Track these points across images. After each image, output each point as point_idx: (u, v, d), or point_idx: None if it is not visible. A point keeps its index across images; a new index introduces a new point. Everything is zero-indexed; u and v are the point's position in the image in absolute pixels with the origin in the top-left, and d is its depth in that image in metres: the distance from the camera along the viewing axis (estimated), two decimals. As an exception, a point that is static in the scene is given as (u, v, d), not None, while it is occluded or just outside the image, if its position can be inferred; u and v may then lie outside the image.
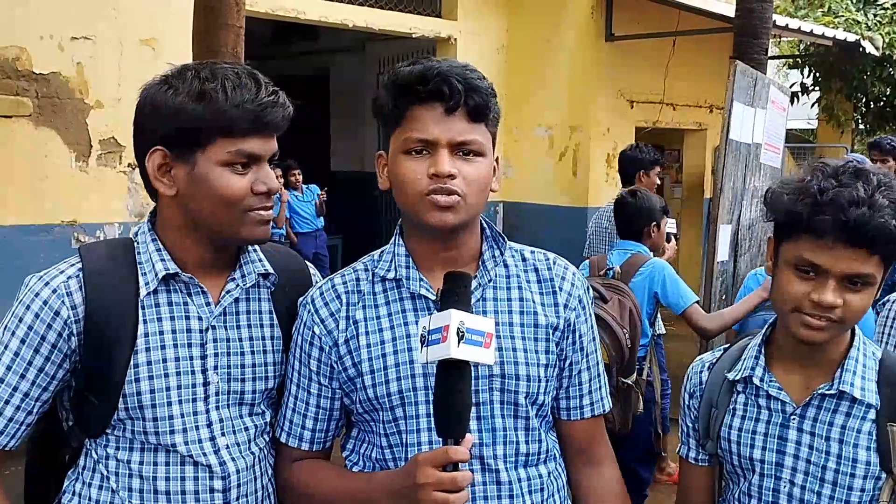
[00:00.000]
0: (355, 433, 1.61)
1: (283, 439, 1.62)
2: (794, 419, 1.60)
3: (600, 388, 1.65)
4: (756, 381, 1.63)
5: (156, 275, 1.50)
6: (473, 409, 1.48)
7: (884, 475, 1.56)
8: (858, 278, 1.47)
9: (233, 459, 1.54)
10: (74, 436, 1.55)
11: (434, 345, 1.30)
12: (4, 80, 5.08)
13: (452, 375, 1.31)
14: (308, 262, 1.78)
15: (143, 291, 1.50)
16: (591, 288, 3.72)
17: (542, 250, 1.65)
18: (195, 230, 1.52)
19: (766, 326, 1.68)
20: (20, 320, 1.47)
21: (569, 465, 1.65)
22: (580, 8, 7.82)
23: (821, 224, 1.45)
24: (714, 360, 1.73)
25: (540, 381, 1.54)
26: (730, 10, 6.55)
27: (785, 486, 1.60)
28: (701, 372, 1.74)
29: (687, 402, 1.76)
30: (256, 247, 1.62)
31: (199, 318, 1.53)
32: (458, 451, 1.31)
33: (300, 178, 8.55)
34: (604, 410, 1.66)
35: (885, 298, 2.33)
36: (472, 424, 1.48)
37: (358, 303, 1.55)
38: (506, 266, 1.58)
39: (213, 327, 1.54)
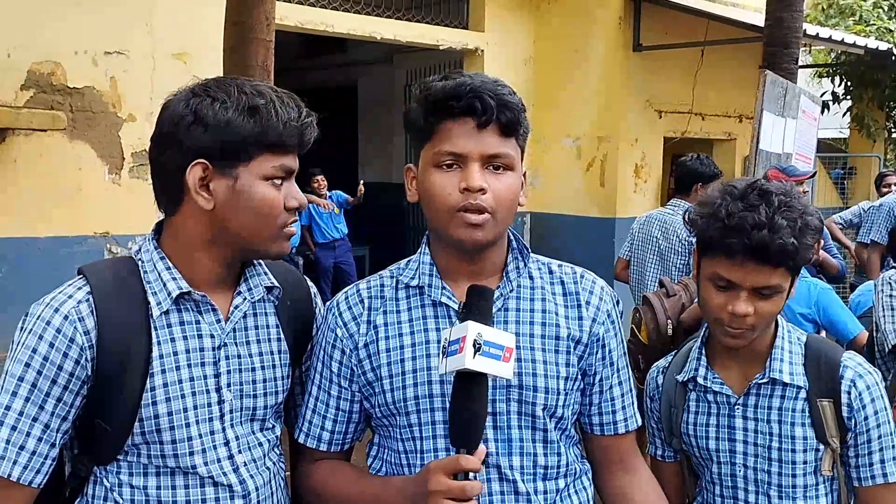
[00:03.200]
0: (377, 439, 1.62)
1: (301, 440, 1.63)
2: (738, 409, 1.78)
3: (633, 403, 1.66)
4: (700, 380, 1.80)
5: (168, 294, 1.47)
6: (490, 418, 1.49)
7: (821, 446, 1.74)
8: (767, 289, 1.67)
9: (251, 477, 1.53)
10: (81, 464, 1.49)
11: (452, 356, 1.31)
12: (40, 94, 5.18)
13: (467, 387, 1.32)
14: (305, 276, 1.77)
15: (155, 312, 1.46)
16: (662, 284, 4.07)
17: (571, 265, 1.65)
18: (220, 245, 1.49)
19: (703, 329, 1.86)
20: (34, 351, 1.39)
21: (604, 474, 1.65)
22: (608, 18, 7.81)
23: (730, 246, 1.65)
24: (667, 365, 1.91)
25: (559, 393, 1.54)
26: (759, 20, 6.50)
27: (740, 470, 1.78)
28: (657, 377, 1.92)
29: (649, 406, 1.92)
30: (261, 260, 1.61)
31: (212, 336, 1.50)
32: (469, 460, 1.31)
33: (324, 184, 8.48)
34: (637, 425, 1.66)
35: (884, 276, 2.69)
36: (489, 434, 1.49)
37: (380, 308, 1.56)
38: (531, 278, 1.58)
39: (225, 344, 1.52)
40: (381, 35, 7.26)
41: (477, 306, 1.37)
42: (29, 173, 5.16)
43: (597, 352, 1.59)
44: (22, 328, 1.43)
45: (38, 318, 1.42)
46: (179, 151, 1.46)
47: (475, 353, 1.29)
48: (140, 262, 1.51)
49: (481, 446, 1.34)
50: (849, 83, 10.68)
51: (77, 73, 5.31)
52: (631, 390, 1.66)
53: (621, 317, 1.66)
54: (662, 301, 3.71)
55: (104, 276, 1.48)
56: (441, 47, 7.69)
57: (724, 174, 9.35)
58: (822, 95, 9.17)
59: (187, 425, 1.47)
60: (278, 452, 1.63)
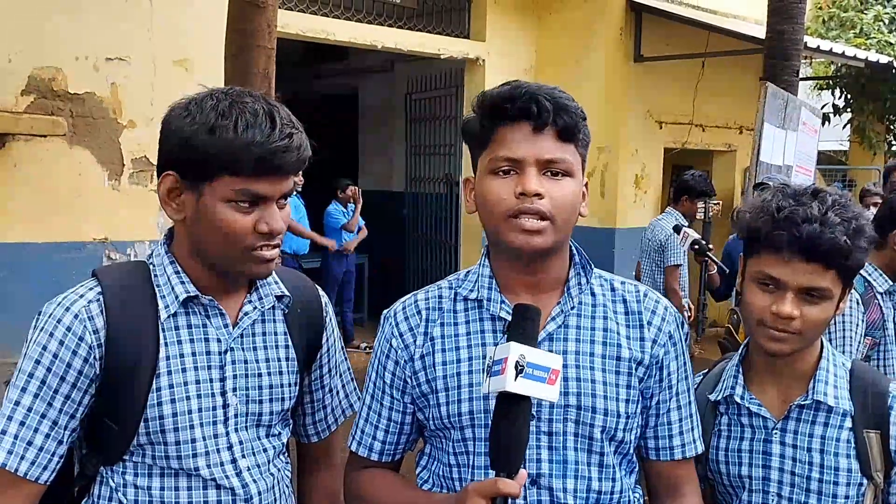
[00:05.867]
0: (428, 450, 1.60)
1: (353, 448, 1.62)
2: (775, 433, 1.65)
3: (693, 429, 1.58)
4: (737, 398, 1.68)
5: (176, 297, 1.48)
6: (546, 438, 1.46)
7: (865, 481, 1.61)
8: (815, 291, 1.56)
9: (254, 481, 1.53)
10: (89, 464, 1.51)
11: (495, 376, 1.28)
12: (40, 100, 5.17)
13: (508, 409, 1.28)
14: (318, 285, 1.76)
15: (163, 314, 1.48)
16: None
17: (635, 282, 1.60)
18: (201, 256, 1.50)
19: (742, 347, 1.75)
20: (44, 348, 1.42)
21: (652, 500, 1.60)
22: (609, 29, 7.82)
23: (777, 239, 1.55)
24: (695, 386, 1.76)
25: (619, 416, 1.48)
26: (760, 32, 6.52)
27: (773, 499, 1.65)
28: None
29: None
30: None
31: (219, 341, 1.51)
32: (507, 484, 1.26)
33: (353, 195, 8.31)
34: (696, 453, 1.59)
35: None
36: (544, 454, 1.46)
37: (437, 320, 1.54)
38: (593, 294, 1.53)
39: (232, 349, 1.52)
40: (382, 43, 7.27)
41: (521, 326, 1.32)
42: (28, 179, 5.15)
43: (655, 374, 1.53)
44: (34, 326, 1.46)
45: (49, 317, 1.44)
46: (160, 160, 1.49)
47: (517, 376, 1.25)
48: (151, 266, 1.53)
49: (522, 470, 1.29)
50: (849, 96, 10.70)
51: (78, 78, 5.30)
52: (692, 415, 1.58)
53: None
54: None
55: (116, 278, 1.50)
56: (442, 56, 7.70)
57: (724, 187, 9.40)
58: (822, 108, 9.18)
59: (191, 427, 1.48)
60: (284, 459, 1.64)
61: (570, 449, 1.47)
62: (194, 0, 5.65)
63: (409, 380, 1.54)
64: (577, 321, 1.50)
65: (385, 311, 1.61)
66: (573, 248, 1.55)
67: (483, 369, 1.34)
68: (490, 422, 1.35)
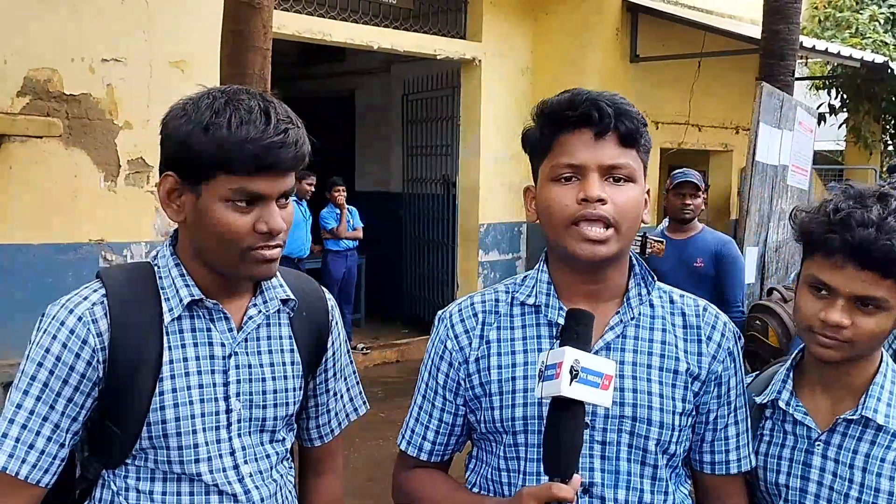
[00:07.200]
0: (476, 452, 1.60)
1: (402, 447, 1.62)
2: (818, 445, 1.58)
3: (748, 443, 1.58)
4: (782, 404, 1.61)
5: (180, 300, 1.47)
6: (599, 447, 1.45)
7: None
8: (869, 300, 1.46)
9: (256, 488, 1.52)
10: (91, 467, 1.50)
11: (548, 381, 1.28)
12: (36, 101, 5.17)
13: (562, 414, 1.28)
14: (323, 287, 1.74)
15: (166, 318, 1.46)
16: (776, 290, 4.23)
17: (693, 296, 1.59)
18: (202, 258, 1.48)
19: (796, 352, 1.67)
20: (46, 351, 1.41)
21: None
22: (605, 29, 7.83)
23: (830, 243, 1.46)
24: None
25: (673, 429, 1.48)
26: (756, 32, 6.53)
27: None
28: None
29: None
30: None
31: (222, 345, 1.50)
32: (562, 488, 1.26)
33: (343, 194, 8.26)
34: (750, 467, 1.58)
35: None
36: (596, 463, 1.45)
37: (494, 323, 1.53)
38: (651, 306, 1.52)
39: (236, 353, 1.51)
40: (378, 44, 7.27)
41: (575, 331, 1.31)
42: (24, 180, 5.15)
43: (712, 390, 1.52)
44: (37, 328, 1.44)
45: (52, 319, 1.43)
46: (161, 160, 1.48)
47: (572, 381, 1.25)
48: (156, 268, 1.51)
49: (576, 476, 1.28)
50: (845, 96, 10.73)
51: (74, 80, 5.30)
52: (747, 430, 1.58)
53: None
54: (783, 307, 3.86)
55: (120, 280, 1.49)
56: (439, 57, 7.71)
57: (721, 186, 9.42)
58: (818, 108, 9.20)
59: (194, 432, 1.47)
60: (288, 465, 1.62)
61: (623, 460, 1.46)
62: (190, 1, 5.65)
63: (462, 382, 1.54)
64: (636, 332, 1.49)
65: (440, 312, 1.60)
66: (633, 258, 1.54)
67: (535, 373, 1.33)
68: (543, 427, 1.35)
